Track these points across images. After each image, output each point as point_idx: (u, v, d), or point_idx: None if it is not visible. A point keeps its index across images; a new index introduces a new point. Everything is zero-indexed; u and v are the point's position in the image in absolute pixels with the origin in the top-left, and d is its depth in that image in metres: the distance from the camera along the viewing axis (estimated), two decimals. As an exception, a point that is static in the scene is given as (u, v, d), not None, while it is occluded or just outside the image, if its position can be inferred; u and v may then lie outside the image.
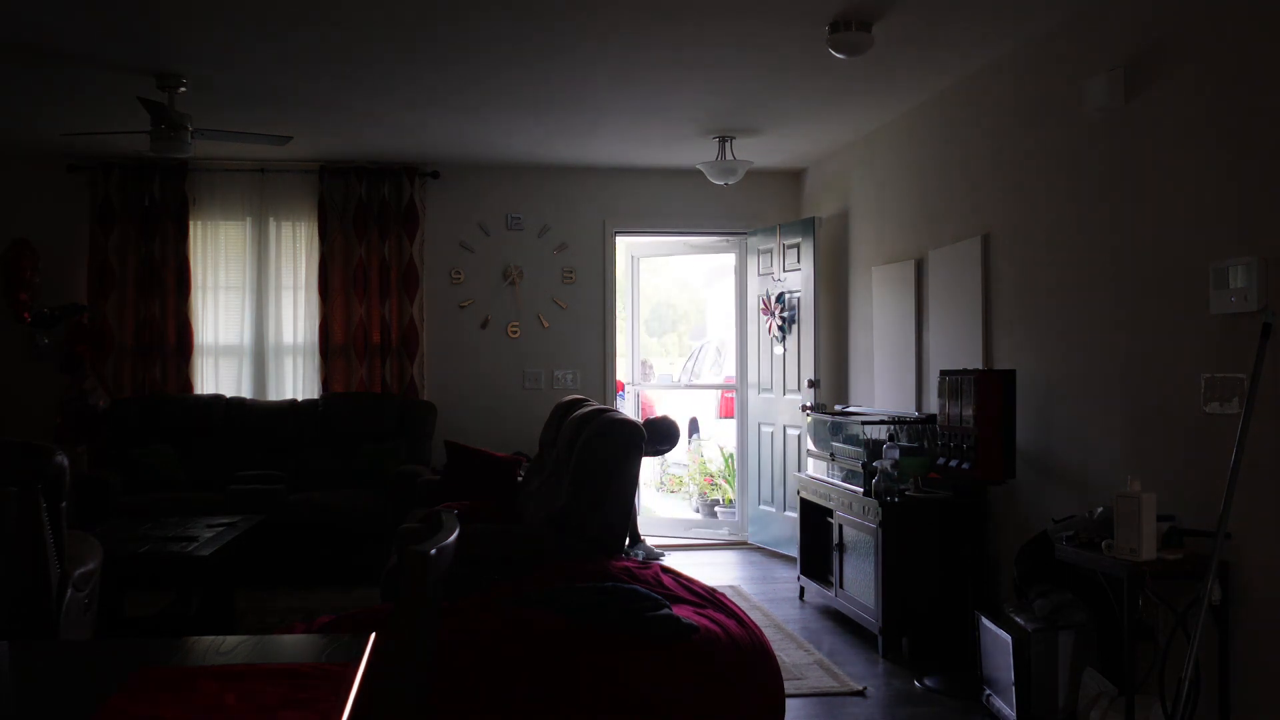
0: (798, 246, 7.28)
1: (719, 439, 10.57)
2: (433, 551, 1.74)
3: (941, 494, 4.93)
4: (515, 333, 7.73)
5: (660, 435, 5.97)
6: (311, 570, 6.34)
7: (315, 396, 7.34)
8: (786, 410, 7.36)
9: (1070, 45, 4.41)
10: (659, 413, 7.89)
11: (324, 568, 6.34)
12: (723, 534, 8.25)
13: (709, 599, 3.84)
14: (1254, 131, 3.36)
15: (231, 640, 2.13)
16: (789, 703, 3.89)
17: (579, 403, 5.39)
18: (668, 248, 8.65)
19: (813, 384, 7.08)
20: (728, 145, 6.77)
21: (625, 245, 8.43)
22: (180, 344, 7.28)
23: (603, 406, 4.95)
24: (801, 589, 6.22)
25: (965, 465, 4.44)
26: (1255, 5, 3.37)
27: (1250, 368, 3.24)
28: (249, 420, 7.03)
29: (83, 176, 7.20)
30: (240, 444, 6.94)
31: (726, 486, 9.52)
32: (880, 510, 4.95)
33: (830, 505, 5.64)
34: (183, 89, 5.37)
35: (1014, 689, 3.95)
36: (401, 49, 4.90)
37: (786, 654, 4.89)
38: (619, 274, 8.11)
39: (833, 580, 5.63)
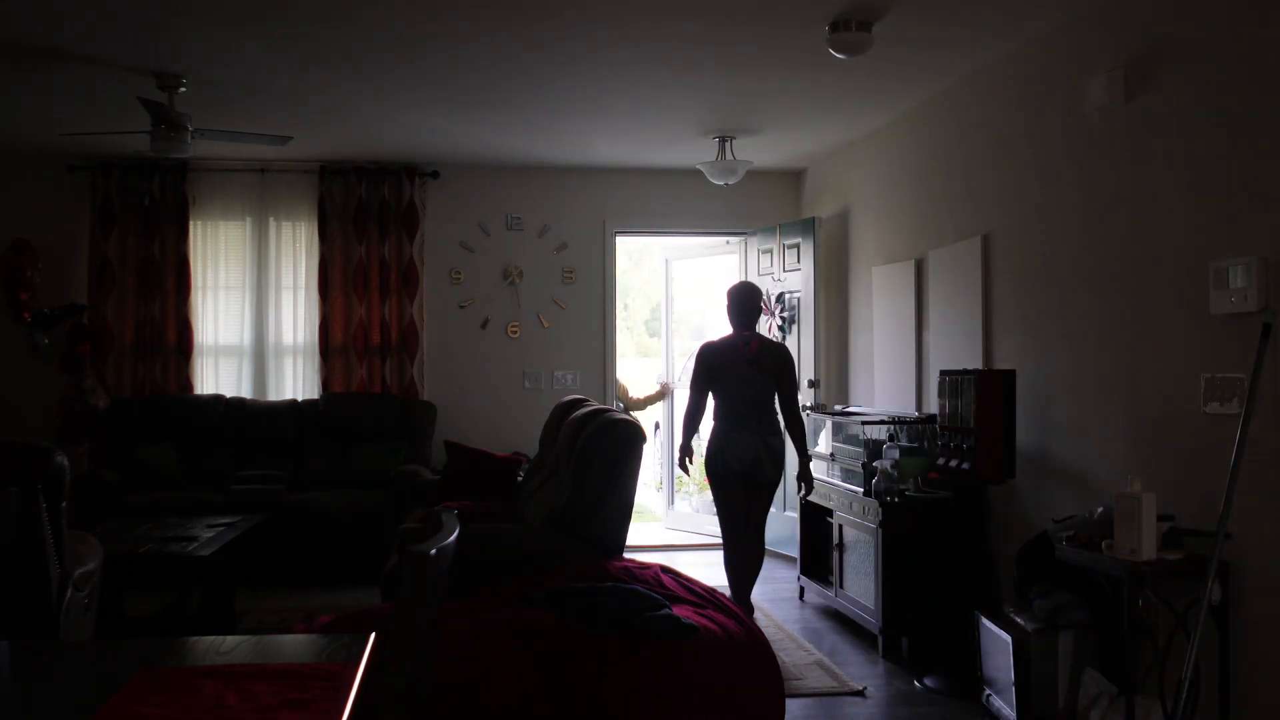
0: (798, 246, 7.28)
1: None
2: (433, 551, 1.75)
3: (941, 494, 4.93)
4: (515, 333, 7.73)
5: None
6: (311, 570, 6.33)
7: (315, 396, 7.34)
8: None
9: (1070, 45, 4.41)
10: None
11: (324, 568, 6.33)
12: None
13: (709, 599, 3.84)
14: (1254, 131, 3.36)
15: (231, 640, 2.13)
16: (789, 703, 3.89)
17: (579, 403, 5.38)
18: (702, 249, 8.61)
19: (813, 384, 7.08)
20: (728, 145, 6.77)
21: (661, 247, 8.90)
22: (180, 344, 7.28)
23: (603, 406, 4.95)
24: (801, 589, 6.22)
25: (965, 465, 4.43)
26: (1254, 5, 3.37)
27: (1250, 368, 3.24)
28: (249, 420, 7.03)
29: (83, 176, 7.20)
30: (240, 444, 6.95)
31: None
32: (880, 510, 4.95)
33: (830, 505, 5.64)
34: (183, 89, 5.37)
35: (1014, 689, 3.95)
36: (402, 49, 4.90)
37: (786, 654, 4.89)
38: (646, 275, 8.16)
39: (833, 580, 5.63)
